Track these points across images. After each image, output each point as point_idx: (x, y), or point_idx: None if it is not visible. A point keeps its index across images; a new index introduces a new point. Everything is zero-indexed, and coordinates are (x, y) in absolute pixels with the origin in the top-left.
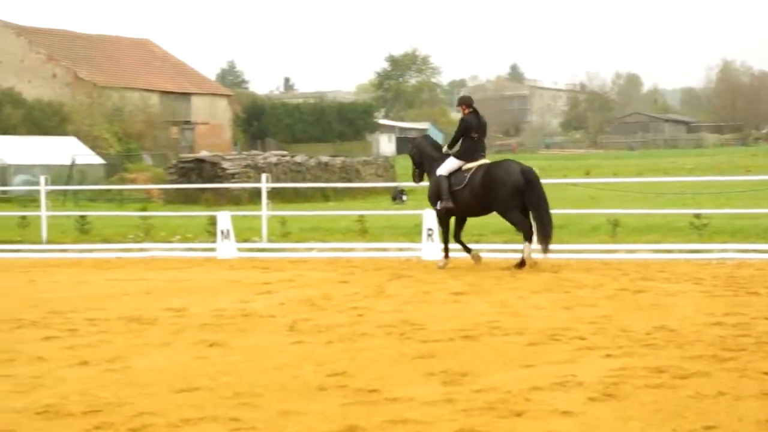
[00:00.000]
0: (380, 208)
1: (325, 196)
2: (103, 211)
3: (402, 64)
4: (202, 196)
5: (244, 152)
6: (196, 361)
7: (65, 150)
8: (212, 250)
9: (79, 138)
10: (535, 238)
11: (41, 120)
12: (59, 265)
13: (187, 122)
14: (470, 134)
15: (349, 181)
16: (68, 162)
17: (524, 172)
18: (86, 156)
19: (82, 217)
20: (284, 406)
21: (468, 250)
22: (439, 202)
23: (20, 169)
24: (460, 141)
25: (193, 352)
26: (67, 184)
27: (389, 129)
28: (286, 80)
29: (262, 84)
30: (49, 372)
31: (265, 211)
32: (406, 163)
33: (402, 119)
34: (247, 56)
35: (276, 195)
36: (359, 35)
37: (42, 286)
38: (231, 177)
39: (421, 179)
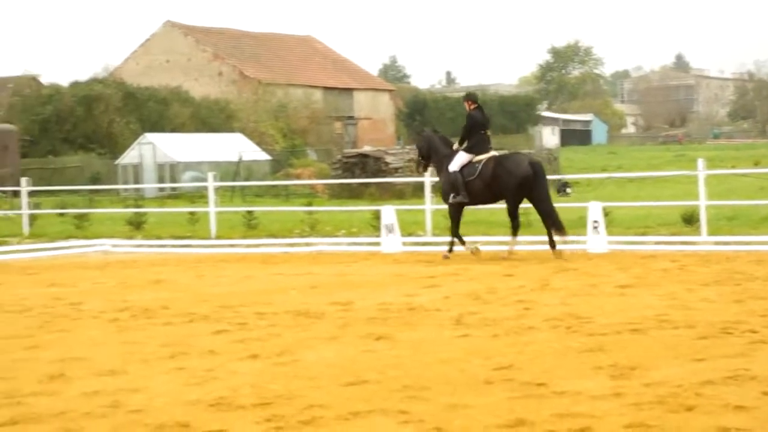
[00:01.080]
0: None
1: None
2: (270, 207)
3: (564, 56)
4: (366, 190)
5: (407, 146)
6: (363, 355)
7: (232, 147)
8: (377, 244)
9: (246, 135)
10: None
11: (208, 117)
12: (227, 260)
13: (350, 117)
14: (478, 129)
15: None
16: (235, 158)
17: (532, 164)
18: (252, 152)
19: (249, 212)
20: (451, 399)
21: (463, 242)
22: (452, 197)
23: (189, 166)
24: (468, 136)
25: (360, 345)
26: (234, 180)
27: (552, 121)
28: (448, 74)
29: (424, 78)
30: (220, 365)
31: (429, 204)
32: (570, 156)
33: (565, 111)
34: (408, 51)
35: (440, 188)
36: (521, 27)
37: (211, 281)
38: (394, 171)
39: (424, 170)
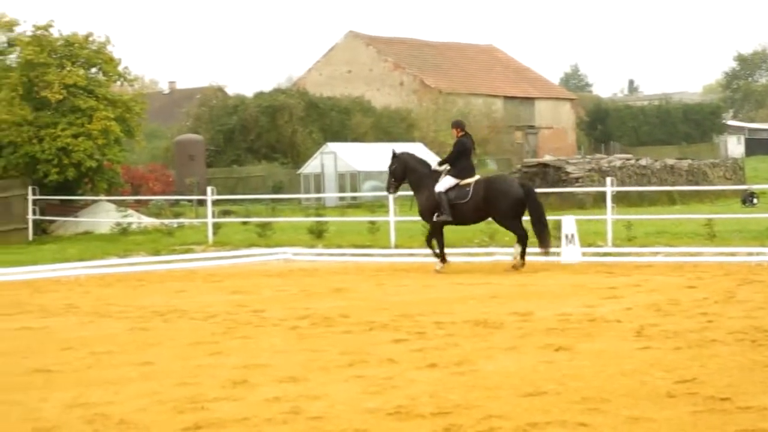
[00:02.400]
0: (729, 212)
1: (671, 199)
2: None
3: (751, 63)
4: (546, 200)
5: (588, 156)
6: (542, 365)
7: None
8: (557, 254)
9: (426, 144)
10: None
11: (389, 127)
12: (407, 269)
13: (531, 127)
14: (466, 155)
15: (696, 184)
16: None
17: (523, 186)
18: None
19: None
20: (632, 412)
21: (437, 255)
22: (436, 216)
23: (369, 175)
24: (456, 161)
25: (540, 356)
26: None
27: (738, 130)
28: (630, 82)
29: (606, 87)
30: (399, 374)
31: (610, 215)
32: (756, 165)
33: (752, 120)
34: (590, 59)
35: (621, 199)
36: (706, 34)
37: (391, 290)
38: (575, 181)
39: (395, 191)
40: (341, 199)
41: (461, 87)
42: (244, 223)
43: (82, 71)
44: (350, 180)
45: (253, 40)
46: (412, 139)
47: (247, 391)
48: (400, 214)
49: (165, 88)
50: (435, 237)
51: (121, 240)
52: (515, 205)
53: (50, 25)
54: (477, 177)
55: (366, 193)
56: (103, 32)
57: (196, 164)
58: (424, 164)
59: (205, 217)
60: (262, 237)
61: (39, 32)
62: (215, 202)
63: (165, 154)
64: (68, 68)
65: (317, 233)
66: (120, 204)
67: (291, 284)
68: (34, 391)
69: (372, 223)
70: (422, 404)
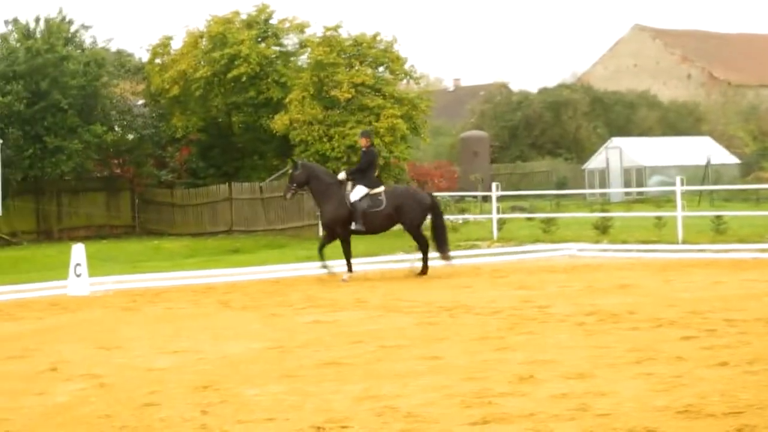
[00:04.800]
0: None
1: None
2: (739, 212)
3: None
4: None
5: None
6: None
7: (699, 150)
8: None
9: (714, 138)
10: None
11: (676, 121)
12: (695, 265)
13: None
14: (376, 165)
15: None
16: (702, 162)
17: (431, 196)
18: (720, 156)
19: (718, 217)
20: None
21: (325, 265)
22: (354, 224)
23: (655, 170)
24: (367, 170)
25: None
26: (702, 184)
27: None
28: None
29: None
30: (688, 371)
31: None
32: None
33: None
34: None
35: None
36: None
37: (679, 286)
38: None
39: (292, 197)
40: (626, 194)
41: (751, 79)
42: (529, 219)
43: (369, 70)
44: (636, 175)
45: (536, 36)
46: (699, 133)
47: (534, 387)
48: (687, 209)
49: (450, 85)
50: (344, 247)
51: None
52: (425, 214)
53: (339, 26)
54: (383, 187)
55: (652, 188)
56: (390, 32)
57: (481, 160)
58: (330, 174)
59: (490, 213)
60: (547, 233)
61: (328, 33)
62: (501, 198)
63: (450, 150)
64: (356, 68)
65: (602, 229)
66: None
67: (576, 280)
68: (326, 383)
69: (658, 218)
70: (712, 403)
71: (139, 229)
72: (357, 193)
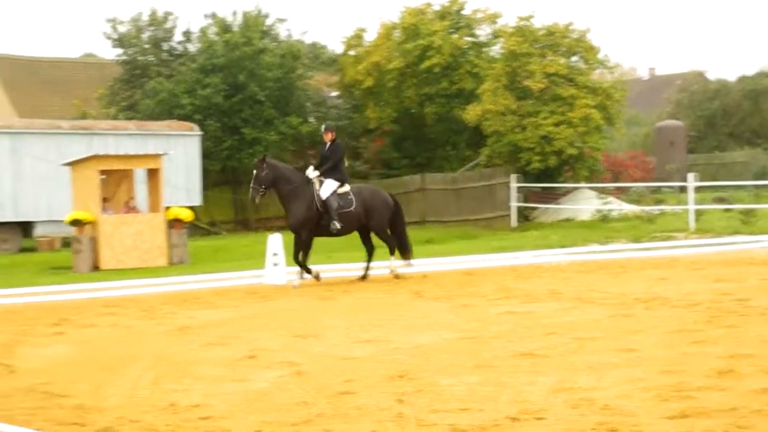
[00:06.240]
0: None
1: None
2: None
3: None
4: None
5: None
6: None
7: None
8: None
9: None
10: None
11: None
12: None
13: None
14: (344, 160)
15: None
16: None
17: (392, 197)
18: None
19: None
20: None
21: (309, 270)
22: (335, 223)
23: None
24: (338, 165)
25: None
26: None
27: None
28: None
29: None
30: None
31: None
32: None
33: None
34: None
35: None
36: None
37: None
38: None
39: (261, 199)
40: None
41: None
42: (727, 210)
43: (562, 60)
44: None
45: (735, 23)
46: None
47: (734, 381)
48: None
49: (644, 74)
50: (303, 249)
51: (601, 227)
52: (389, 215)
53: (532, 16)
54: (349, 185)
55: None
56: (583, 21)
57: (677, 150)
58: (297, 174)
59: (687, 204)
60: (746, 224)
61: (521, 23)
62: (698, 189)
63: (644, 140)
64: (549, 57)
65: None
66: (600, 191)
67: None
68: (521, 375)
69: None
70: None
71: None
72: (327, 188)
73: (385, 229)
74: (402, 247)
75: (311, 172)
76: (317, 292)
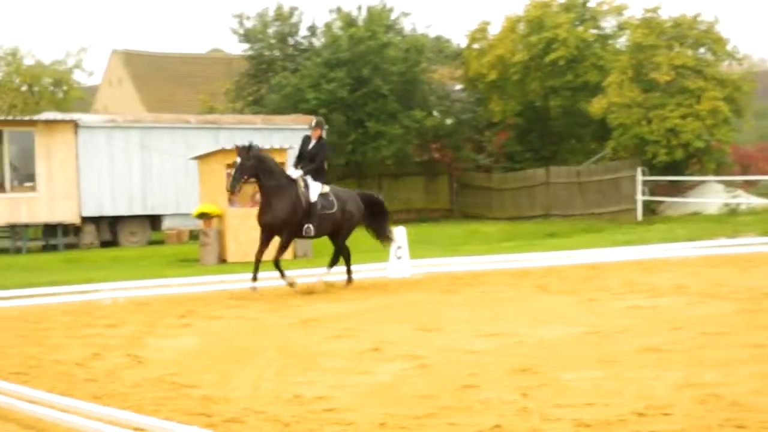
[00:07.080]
0: None
1: None
2: None
3: None
4: None
5: None
6: None
7: None
8: None
9: None
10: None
11: None
12: None
13: None
14: (327, 159)
15: None
16: None
17: (375, 196)
18: None
19: None
20: None
21: (284, 275)
22: (309, 227)
23: None
24: (323, 164)
25: None
26: None
27: None
28: None
29: None
30: None
31: None
32: None
33: None
34: None
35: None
36: None
37: None
38: None
39: (240, 190)
40: None
41: None
42: None
43: (690, 52)
44: None
45: None
46: None
47: None
48: None
49: None
50: (260, 250)
51: (729, 221)
52: (359, 221)
53: (658, 8)
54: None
55: None
56: (711, 11)
57: None
58: (282, 170)
59: None
60: None
61: (648, 15)
62: None
63: None
64: (676, 49)
65: None
66: (728, 184)
67: None
68: (646, 370)
69: None
70: None
71: (456, 213)
72: (315, 190)
73: (347, 237)
74: (381, 231)
75: (294, 172)
76: (441, 286)
